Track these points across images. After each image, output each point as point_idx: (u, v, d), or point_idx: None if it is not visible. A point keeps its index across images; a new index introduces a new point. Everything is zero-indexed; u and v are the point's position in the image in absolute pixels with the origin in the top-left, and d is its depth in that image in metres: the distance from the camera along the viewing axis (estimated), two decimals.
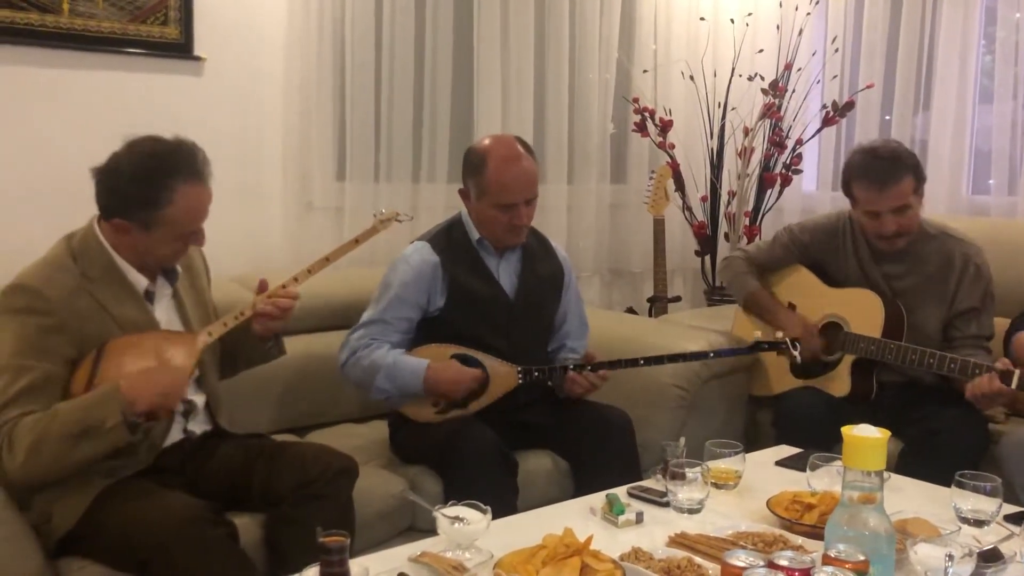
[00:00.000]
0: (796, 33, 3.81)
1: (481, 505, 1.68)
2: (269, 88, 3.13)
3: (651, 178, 3.79)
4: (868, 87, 3.69)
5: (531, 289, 2.58)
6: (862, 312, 2.72)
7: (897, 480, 2.12)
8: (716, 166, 3.99)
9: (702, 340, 2.91)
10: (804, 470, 2.01)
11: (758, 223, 3.91)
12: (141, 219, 1.93)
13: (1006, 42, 3.43)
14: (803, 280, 2.91)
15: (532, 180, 2.46)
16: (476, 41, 3.57)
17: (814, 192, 4.08)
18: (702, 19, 4.09)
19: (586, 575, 1.53)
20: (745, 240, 3.81)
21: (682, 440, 2.02)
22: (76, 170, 2.01)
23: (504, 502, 2.21)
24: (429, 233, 2.58)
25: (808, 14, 3.82)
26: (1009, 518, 1.82)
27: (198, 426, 2.12)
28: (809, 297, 2.87)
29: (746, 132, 3.87)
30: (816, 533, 1.69)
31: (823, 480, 1.94)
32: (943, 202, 3.49)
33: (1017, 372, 2.38)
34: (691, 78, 3.95)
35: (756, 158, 3.90)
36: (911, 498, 1.96)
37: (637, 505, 1.90)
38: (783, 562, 1.35)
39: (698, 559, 1.63)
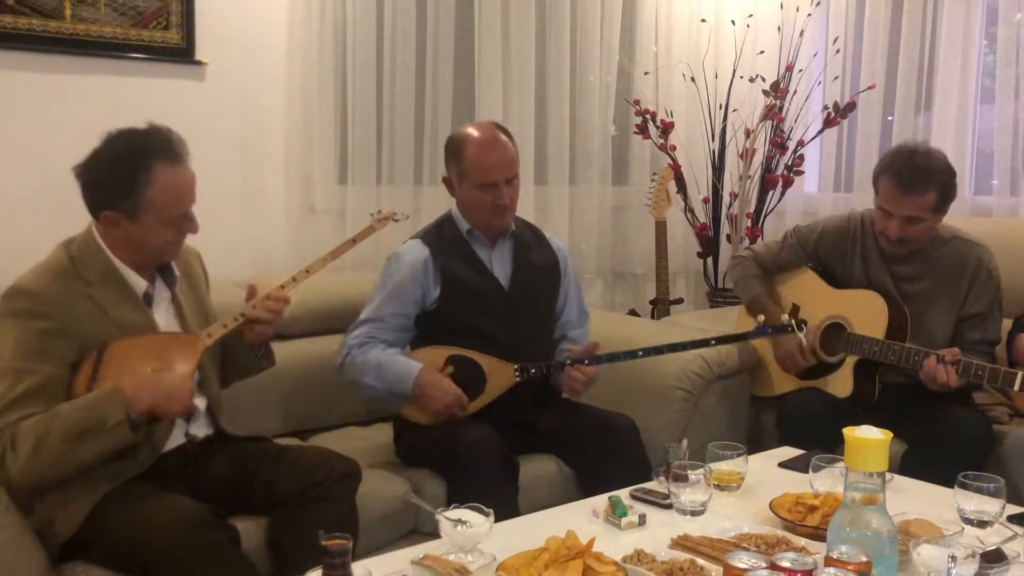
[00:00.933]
0: (797, 34, 3.81)
1: (484, 508, 1.68)
2: (271, 92, 3.14)
3: (653, 180, 3.79)
4: (869, 88, 3.69)
5: (526, 278, 2.59)
6: (866, 313, 2.72)
7: (900, 481, 2.11)
8: (718, 168, 3.99)
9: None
10: (807, 471, 2.00)
11: (760, 224, 3.91)
12: (126, 207, 1.93)
13: (1007, 42, 3.43)
14: (808, 280, 2.91)
15: (511, 159, 2.49)
16: (477, 43, 3.57)
17: (816, 193, 4.07)
18: (703, 21, 4.09)
19: None
20: (747, 242, 3.81)
21: (685, 442, 2.02)
22: (72, 171, 2.01)
23: (506, 502, 2.21)
24: (421, 231, 2.61)
25: (809, 15, 3.83)
26: (1012, 519, 1.82)
27: (200, 429, 2.12)
28: (813, 298, 2.87)
29: (747, 133, 3.87)
30: (819, 534, 1.68)
31: (826, 481, 1.94)
32: None
33: (1020, 374, 2.38)
34: (692, 80, 3.96)
35: (758, 159, 3.90)
36: (914, 499, 1.96)
37: (640, 507, 1.90)
38: (785, 563, 1.35)
39: (701, 561, 1.63)
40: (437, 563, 1.61)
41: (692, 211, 4.00)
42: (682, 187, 3.92)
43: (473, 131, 2.51)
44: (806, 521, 1.79)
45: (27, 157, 2.72)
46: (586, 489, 2.38)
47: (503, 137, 2.50)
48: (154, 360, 1.93)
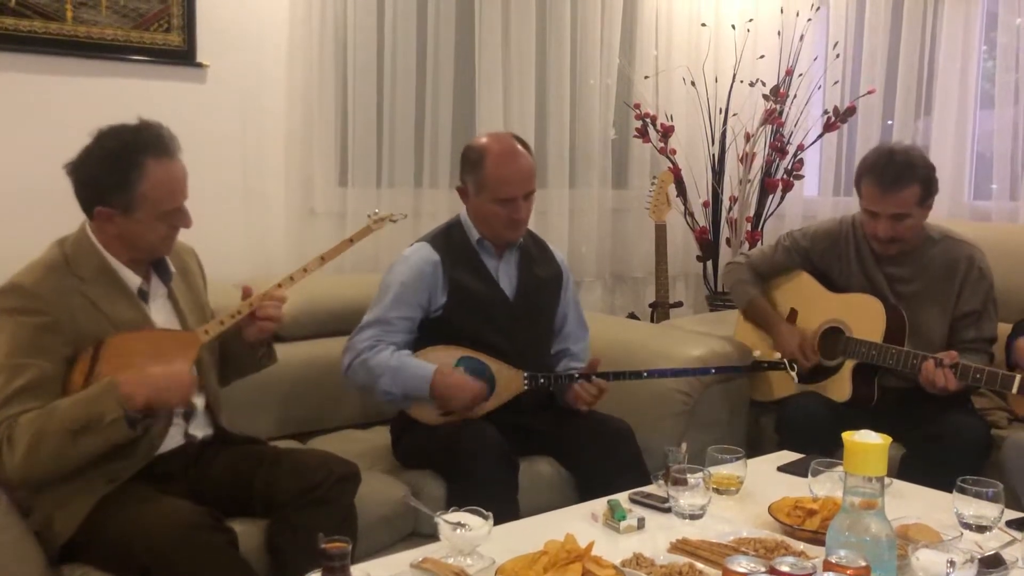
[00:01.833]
0: (797, 39, 3.82)
1: (483, 511, 1.68)
2: (271, 94, 3.14)
3: (653, 184, 3.80)
4: (869, 92, 3.70)
5: (530, 290, 2.59)
6: (863, 317, 2.72)
7: (899, 485, 2.11)
8: (718, 172, 3.99)
9: (704, 346, 2.91)
10: (806, 475, 2.01)
11: (760, 228, 3.91)
12: (119, 202, 1.94)
13: (1007, 47, 3.44)
14: (805, 285, 2.91)
15: (530, 174, 2.49)
16: (478, 46, 3.58)
17: (816, 197, 4.08)
18: (703, 25, 4.10)
19: None
20: (747, 245, 3.81)
21: (684, 446, 2.02)
22: (63, 169, 2.01)
23: (506, 499, 2.22)
24: (429, 234, 2.59)
25: (809, 20, 3.83)
26: (1011, 524, 1.82)
27: (199, 429, 2.12)
28: (810, 302, 2.88)
29: (747, 138, 3.87)
30: (818, 539, 1.69)
31: (825, 486, 1.94)
32: (945, 207, 3.48)
33: (1018, 377, 2.39)
34: (692, 84, 3.96)
35: (757, 163, 3.91)
36: (913, 503, 1.96)
37: (639, 511, 1.90)
38: (784, 568, 1.35)
39: (700, 565, 1.63)
40: (436, 566, 1.61)
41: (692, 215, 4.01)
42: (682, 191, 3.93)
43: (494, 143, 2.49)
44: (805, 525, 1.79)
45: (28, 159, 2.71)
46: (585, 493, 2.38)
47: (523, 151, 2.49)
48: (151, 356, 1.93)
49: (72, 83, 2.77)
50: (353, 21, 3.25)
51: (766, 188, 3.88)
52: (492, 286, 2.54)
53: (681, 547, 1.72)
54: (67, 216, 2.05)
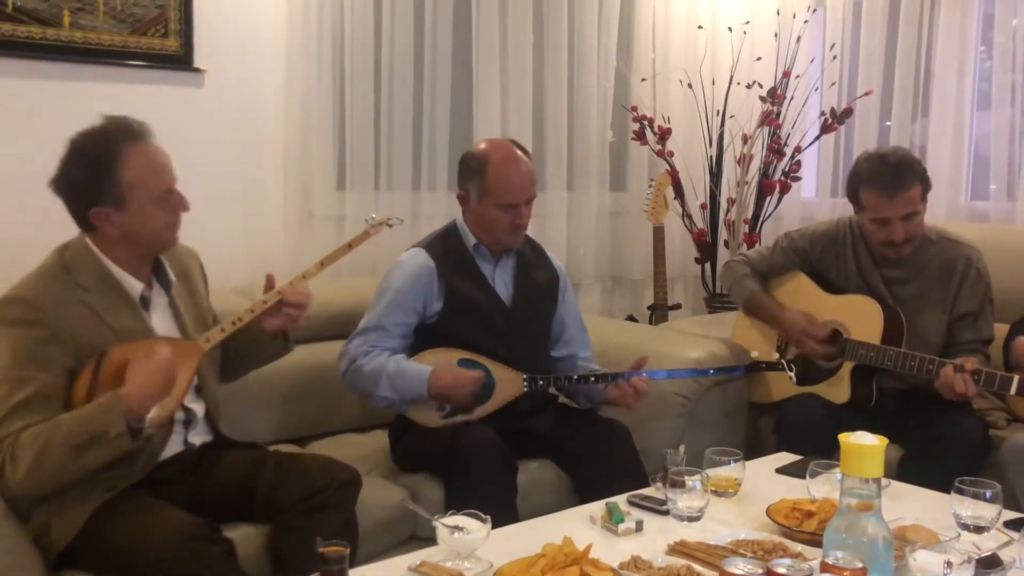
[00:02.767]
0: (794, 40, 3.83)
1: (481, 514, 1.68)
2: (269, 99, 3.15)
3: (650, 186, 3.80)
4: (867, 94, 3.70)
5: (527, 296, 2.59)
6: (861, 319, 2.72)
7: (897, 487, 2.12)
8: (715, 174, 4.00)
9: (702, 348, 2.92)
10: (804, 477, 2.01)
11: (758, 230, 3.92)
12: (110, 198, 1.93)
13: (1004, 48, 3.44)
14: (802, 287, 2.92)
15: (532, 180, 2.51)
16: (475, 50, 3.58)
17: (813, 199, 4.08)
18: (700, 27, 4.11)
19: None
20: (745, 247, 3.82)
21: (682, 448, 2.02)
22: (49, 187, 2.01)
23: (504, 500, 2.23)
24: (425, 240, 2.60)
25: (806, 22, 3.84)
26: (1009, 524, 1.82)
27: (198, 437, 2.12)
28: (808, 304, 2.88)
29: (745, 139, 3.87)
30: (816, 540, 1.68)
31: (823, 487, 1.94)
32: (942, 208, 3.49)
33: (1017, 378, 2.39)
34: (689, 86, 3.97)
35: (755, 165, 3.91)
36: (911, 504, 1.96)
37: (637, 513, 1.90)
38: (781, 570, 1.36)
39: (697, 567, 1.63)
40: (434, 570, 1.61)
41: (690, 217, 4.01)
42: (680, 193, 3.93)
43: (495, 150, 2.50)
44: (803, 527, 1.80)
45: (25, 164, 2.71)
46: (583, 495, 2.38)
47: (524, 157, 2.51)
48: (153, 366, 1.91)
49: (69, 88, 2.77)
50: (350, 25, 3.26)
51: (764, 190, 3.89)
52: (488, 292, 2.54)
53: (679, 549, 1.72)
54: (65, 222, 2.05)
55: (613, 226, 4.11)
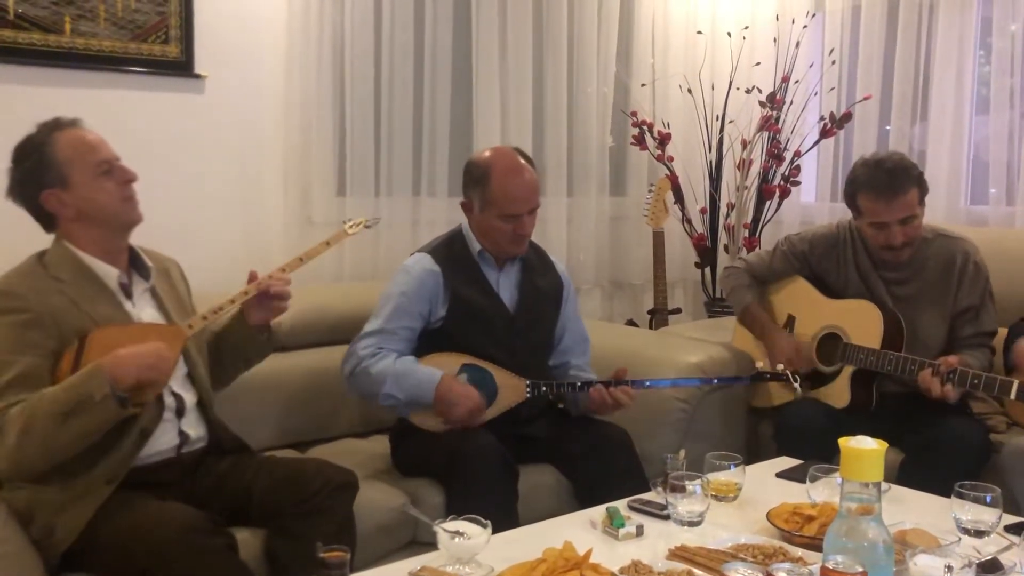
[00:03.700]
0: (793, 46, 3.83)
1: (481, 519, 1.68)
2: (269, 105, 3.16)
3: (650, 191, 3.81)
4: (865, 98, 3.71)
5: (531, 303, 2.59)
6: (861, 323, 2.73)
7: (897, 491, 2.12)
8: (715, 178, 4.01)
9: (703, 353, 2.92)
10: (804, 481, 2.01)
11: (757, 235, 3.92)
12: (53, 180, 1.98)
13: (1003, 52, 3.44)
14: (801, 291, 2.92)
15: (535, 190, 2.50)
16: (475, 55, 3.59)
17: (813, 203, 4.09)
18: (699, 33, 4.11)
19: None
20: (745, 252, 3.82)
21: (682, 452, 2.02)
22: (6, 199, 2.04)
23: (505, 506, 2.23)
24: (430, 245, 2.60)
25: (805, 27, 3.85)
26: (1009, 528, 1.82)
27: (192, 427, 2.11)
28: (808, 308, 2.88)
29: (744, 144, 3.88)
30: (816, 544, 1.69)
31: (823, 491, 1.94)
32: (941, 212, 3.49)
33: (1016, 381, 2.39)
34: (689, 91, 3.97)
35: (754, 170, 3.92)
36: (911, 509, 1.96)
37: (637, 518, 1.90)
38: (781, 574, 1.36)
39: (698, 572, 1.63)
40: (435, 575, 1.61)
41: (689, 221, 4.02)
42: (679, 198, 3.94)
43: (499, 159, 2.49)
44: (803, 531, 1.80)
45: None
46: (583, 500, 2.38)
47: (527, 166, 2.50)
48: (136, 344, 1.92)
49: (70, 95, 2.78)
50: (350, 31, 3.26)
51: (763, 194, 3.89)
52: (493, 298, 2.54)
53: (680, 554, 1.72)
54: None
55: (613, 231, 4.11)
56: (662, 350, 2.99)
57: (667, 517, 1.90)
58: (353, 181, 3.33)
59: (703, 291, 4.09)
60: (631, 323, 4.00)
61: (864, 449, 1.43)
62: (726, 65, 3.98)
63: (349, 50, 3.27)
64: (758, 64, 3.97)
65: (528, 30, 3.69)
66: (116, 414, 1.83)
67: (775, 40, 3.92)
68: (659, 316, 3.79)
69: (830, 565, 1.37)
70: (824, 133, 3.74)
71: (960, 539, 1.76)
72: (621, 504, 1.96)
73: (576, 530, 1.85)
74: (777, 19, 3.96)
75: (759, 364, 2.66)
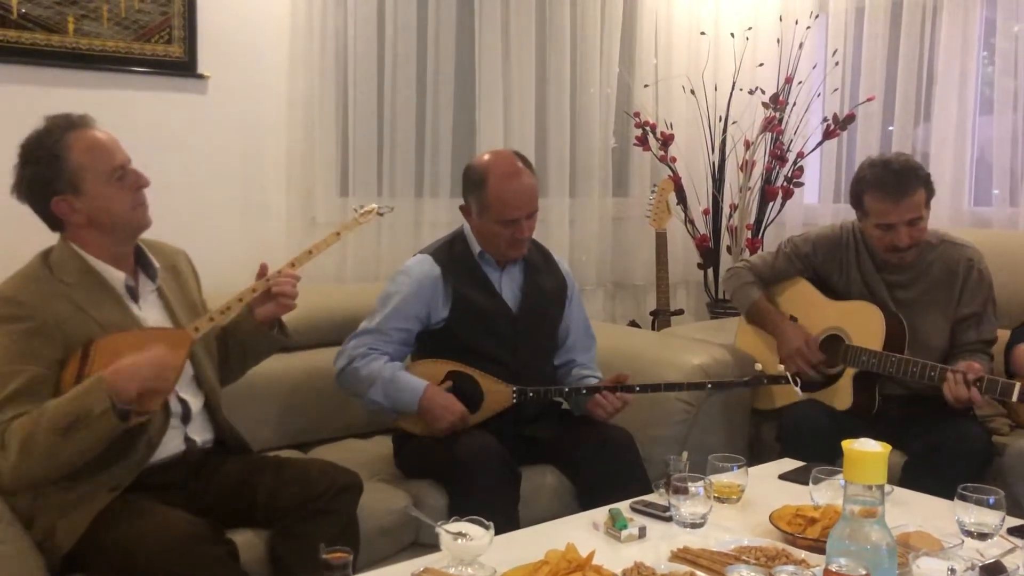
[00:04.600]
0: (796, 47, 3.83)
1: (484, 521, 1.68)
2: (272, 105, 3.16)
3: (653, 192, 3.80)
4: (869, 100, 3.70)
5: (534, 302, 2.59)
6: (863, 325, 2.72)
7: (900, 493, 2.12)
8: (718, 179, 4.00)
9: (705, 354, 2.92)
10: (807, 484, 2.00)
11: (760, 236, 3.92)
12: (64, 185, 1.95)
13: (1006, 53, 3.44)
14: (804, 293, 2.92)
15: (533, 194, 2.49)
16: (478, 56, 3.59)
17: (816, 204, 4.08)
18: (703, 33, 4.11)
19: None
20: (747, 253, 3.82)
21: (685, 454, 2.02)
22: (12, 196, 2.03)
23: (507, 511, 2.22)
24: (431, 247, 2.59)
25: (808, 28, 3.84)
26: (1012, 531, 1.82)
27: (198, 433, 2.11)
28: (810, 310, 2.88)
29: (747, 145, 3.88)
30: (819, 547, 1.69)
31: (826, 494, 1.94)
32: (945, 214, 3.49)
33: (1018, 384, 2.39)
34: (692, 92, 3.97)
35: (757, 171, 3.91)
36: (914, 511, 1.96)
37: (640, 520, 1.90)
38: None
39: (700, 574, 1.63)
40: None
41: (692, 222, 4.02)
42: (682, 199, 3.94)
43: (496, 164, 2.48)
44: (806, 533, 1.80)
45: None
46: (586, 502, 2.38)
47: (526, 170, 2.48)
48: (140, 353, 1.90)
49: (74, 95, 2.78)
50: (353, 31, 3.27)
51: (766, 195, 3.89)
52: (495, 299, 2.54)
53: (682, 556, 1.72)
54: None
55: (616, 232, 4.11)
56: (665, 351, 2.99)
57: (670, 519, 1.89)
58: (356, 181, 3.34)
59: (706, 292, 4.09)
60: (633, 324, 4.00)
61: (867, 451, 1.42)
62: (729, 66, 3.98)
63: (352, 50, 3.27)
64: (761, 65, 3.97)
65: (531, 30, 3.69)
66: (117, 428, 1.82)
67: (778, 41, 3.92)
68: (662, 317, 3.79)
69: (833, 568, 1.37)
70: (827, 134, 3.74)
71: (963, 542, 1.76)
72: (624, 506, 1.96)
73: (579, 532, 1.85)
74: (780, 20, 3.96)
75: (758, 366, 2.66)
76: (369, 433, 2.86)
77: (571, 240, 3.91)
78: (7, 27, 2.64)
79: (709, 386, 2.69)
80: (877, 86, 3.75)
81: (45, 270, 1.98)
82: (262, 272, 2.16)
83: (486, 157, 2.53)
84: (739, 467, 2.04)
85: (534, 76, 3.72)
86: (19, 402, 1.84)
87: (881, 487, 1.43)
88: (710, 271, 4.04)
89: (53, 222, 2.02)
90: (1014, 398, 2.39)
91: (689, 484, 1.87)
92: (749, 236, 3.92)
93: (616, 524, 1.85)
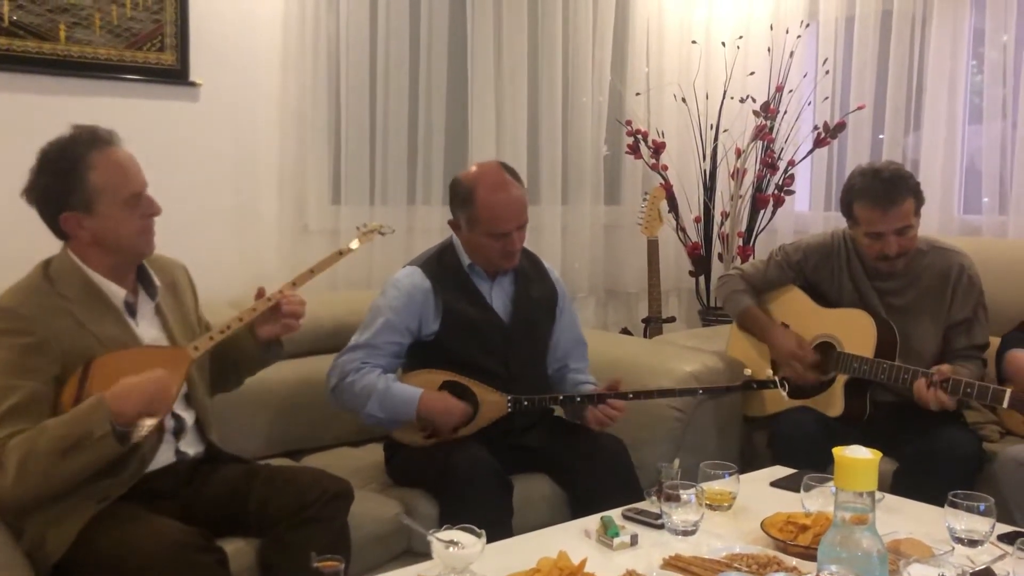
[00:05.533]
0: (787, 55, 3.85)
1: (476, 529, 1.68)
2: (265, 113, 3.16)
3: (645, 199, 3.82)
4: (859, 108, 3.72)
5: (525, 312, 2.59)
6: (854, 332, 2.73)
7: (891, 500, 2.12)
8: (709, 187, 4.02)
9: (697, 362, 2.92)
10: (798, 491, 2.01)
11: (751, 243, 3.93)
12: (77, 202, 1.94)
13: (995, 62, 3.46)
14: (796, 300, 2.93)
15: (522, 206, 2.48)
16: (470, 64, 3.60)
17: (807, 212, 4.10)
18: (694, 42, 4.13)
19: None
20: (739, 260, 3.83)
21: (677, 461, 2.03)
22: (22, 198, 2.02)
23: (499, 523, 2.21)
24: (420, 258, 2.59)
25: (799, 36, 3.86)
26: (1003, 538, 1.83)
27: (190, 446, 2.11)
28: (802, 317, 2.89)
29: (738, 153, 3.89)
30: (810, 554, 1.69)
31: (817, 501, 1.94)
32: (935, 221, 3.50)
33: (1009, 390, 2.40)
34: (683, 100, 3.99)
35: (749, 179, 3.93)
36: (905, 518, 1.97)
37: (632, 527, 1.90)
38: None
39: None
40: None
41: (684, 230, 4.03)
42: (674, 206, 3.95)
43: (483, 177, 2.46)
44: (797, 540, 1.80)
45: (20, 178, 2.72)
46: (578, 509, 2.38)
47: (514, 182, 2.47)
48: (139, 373, 1.90)
49: (66, 103, 2.78)
50: (346, 39, 3.27)
51: (757, 203, 3.90)
52: (486, 310, 2.53)
53: (674, 563, 1.72)
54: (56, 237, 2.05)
55: (607, 239, 4.12)
56: (657, 359, 2.99)
57: (661, 526, 1.89)
58: (348, 189, 3.34)
59: (697, 300, 4.10)
60: (625, 331, 4.00)
61: (858, 458, 1.43)
62: (720, 74, 4.00)
63: (344, 59, 3.28)
64: (752, 74, 3.99)
65: (523, 39, 3.70)
66: (116, 450, 1.83)
67: (769, 50, 3.94)
68: (653, 324, 3.80)
69: (824, 575, 1.37)
70: (818, 142, 3.76)
71: (954, 548, 1.76)
72: (616, 513, 1.96)
73: (571, 540, 1.85)
74: (771, 29, 3.98)
75: (747, 371, 2.66)
76: (361, 441, 2.86)
77: (563, 248, 3.92)
78: None
79: (700, 392, 2.70)
80: (867, 95, 3.77)
81: (46, 283, 1.96)
82: (260, 295, 2.16)
83: (473, 170, 2.52)
84: (731, 474, 2.04)
85: (526, 84, 3.73)
86: (16, 419, 1.83)
87: (872, 494, 1.43)
88: (702, 278, 4.05)
89: (57, 231, 2.01)
90: (1005, 404, 2.40)
91: (681, 491, 1.87)
92: (740, 244, 3.93)
93: (608, 532, 1.85)
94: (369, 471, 2.59)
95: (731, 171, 3.94)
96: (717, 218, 4.01)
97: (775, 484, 2.25)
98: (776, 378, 2.55)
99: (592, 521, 1.93)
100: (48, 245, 2.06)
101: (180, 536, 1.83)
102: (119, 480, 1.93)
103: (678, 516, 1.86)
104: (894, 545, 1.71)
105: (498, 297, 2.57)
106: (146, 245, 2.06)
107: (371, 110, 3.36)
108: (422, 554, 1.96)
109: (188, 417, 2.12)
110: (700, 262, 4.03)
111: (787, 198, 3.88)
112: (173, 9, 2.91)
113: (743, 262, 3.73)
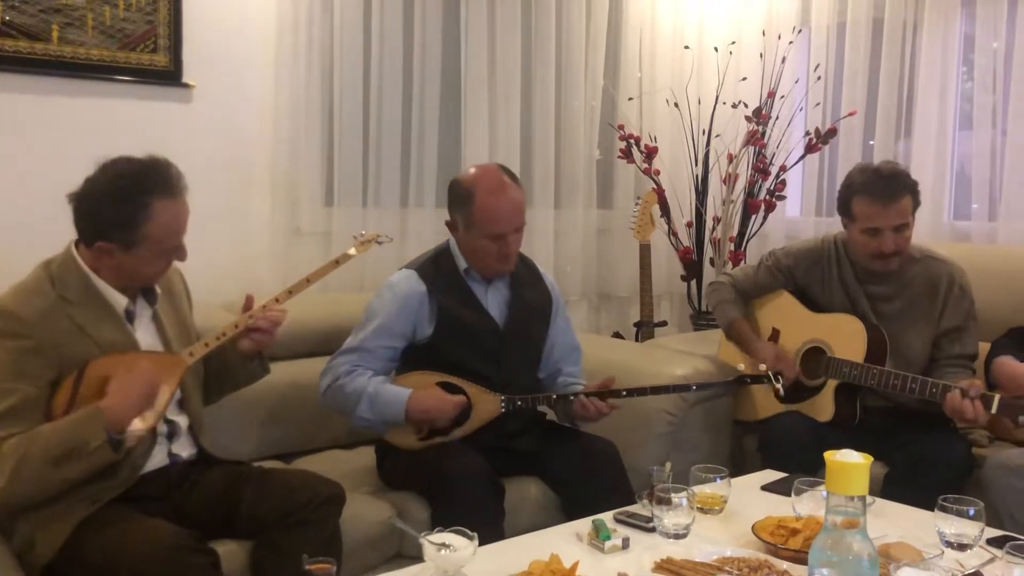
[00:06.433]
0: (779, 61, 3.87)
1: (468, 531, 1.68)
2: (258, 114, 3.16)
3: (637, 204, 3.82)
4: (850, 114, 3.74)
5: (520, 317, 2.59)
6: (844, 337, 2.75)
7: (881, 504, 2.13)
8: (701, 192, 4.03)
9: (688, 365, 2.93)
10: (789, 495, 2.02)
11: (743, 248, 3.94)
12: (122, 239, 1.94)
13: (985, 69, 3.48)
14: (786, 305, 2.94)
15: (520, 209, 2.48)
16: (464, 67, 3.60)
17: (798, 217, 4.11)
18: (686, 48, 4.14)
19: None
20: (730, 265, 3.84)
21: (668, 465, 2.03)
22: (66, 198, 2.01)
23: (491, 526, 2.21)
24: (416, 261, 2.58)
25: (791, 43, 3.88)
26: (992, 542, 1.84)
27: (183, 449, 2.12)
28: (792, 322, 2.90)
29: (730, 159, 3.91)
30: (801, 558, 1.69)
31: (808, 505, 1.95)
32: (925, 227, 3.51)
33: (997, 396, 2.41)
34: (676, 105, 4.00)
35: (740, 184, 3.94)
36: (895, 522, 1.98)
37: (623, 530, 1.91)
38: None
39: None
40: None
41: (676, 235, 4.04)
42: (666, 211, 3.96)
43: (483, 179, 2.46)
44: (788, 544, 1.81)
45: (12, 179, 2.71)
46: (570, 512, 2.38)
47: (513, 185, 2.47)
48: (134, 379, 1.91)
49: (58, 104, 2.77)
50: (339, 42, 3.27)
51: (749, 208, 3.92)
52: (481, 314, 2.53)
53: (665, 566, 1.73)
54: (53, 237, 2.05)
55: (600, 244, 4.12)
56: (648, 362, 3.00)
57: (653, 530, 1.90)
58: (341, 192, 3.33)
59: (689, 304, 4.11)
60: (617, 335, 4.01)
61: (849, 463, 1.43)
62: (713, 80, 4.01)
63: (338, 61, 3.28)
64: (744, 79, 4.00)
65: (516, 43, 3.71)
66: (111, 459, 1.83)
67: (761, 55, 3.96)
68: (645, 328, 3.80)
69: None
70: (809, 148, 3.77)
71: (943, 552, 1.77)
72: (607, 517, 1.96)
73: (562, 543, 1.85)
74: (763, 35, 4.00)
75: (741, 367, 2.67)
76: (352, 444, 2.86)
77: (556, 252, 3.92)
78: None
79: (694, 387, 2.70)
80: (858, 101, 3.79)
81: (47, 284, 1.96)
82: (248, 304, 2.16)
83: (472, 172, 2.52)
84: (722, 478, 2.05)
85: (519, 87, 3.73)
86: (10, 422, 1.83)
87: (863, 498, 1.44)
88: (693, 283, 4.06)
89: (83, 240, 1.99)
90: (993, 410, 2.41)
91: (672, 495, 1.87)
92: (732, 248, 3.94)
93: (599, 535, 1.85)
94: (361, 474, 2.59)
95: (723, 176, 3.96)
96: (709, 223, 4.02)
97: (766, 488, 2.26)
98: (770, 372, 2.56)
99: (584, 524, 1.93)
100: (48, 245, 2.06)
101: (172, 538, 1.82)
102: (111, 483, 1.93)
103: (669, 519, 1.86)
104: (884, 549, 1.71)
105: (494, 301, 2.57)
106: (157, 280, 2.09)
107: (364, 112, 3.35)
108: (414, 557, 1.96)
109: (182, 421, 2.12)
110: (692, 267, 4.04)
111: (778, 203, 3.90)
112: (166, 10, 2.90)
113: (734, 267, 3.75)
